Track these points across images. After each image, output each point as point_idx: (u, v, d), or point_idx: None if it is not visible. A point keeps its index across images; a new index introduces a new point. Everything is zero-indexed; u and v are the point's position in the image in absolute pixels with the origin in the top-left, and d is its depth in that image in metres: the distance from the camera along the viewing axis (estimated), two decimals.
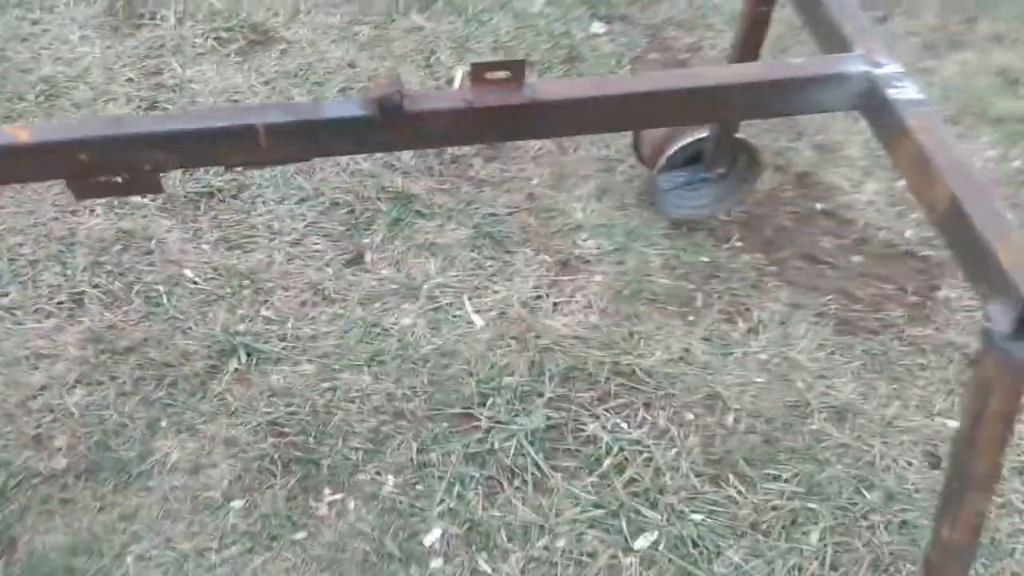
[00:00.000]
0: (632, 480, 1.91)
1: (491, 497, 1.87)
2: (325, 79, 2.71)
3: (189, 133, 1.42)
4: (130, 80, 2.67)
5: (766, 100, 1.51)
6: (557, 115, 1.46)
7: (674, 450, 1.97)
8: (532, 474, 1.90)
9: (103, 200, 2.33)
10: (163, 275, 2.20)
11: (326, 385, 2.02)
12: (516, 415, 1.99)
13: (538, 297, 2.23)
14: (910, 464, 1.97)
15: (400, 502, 1.85)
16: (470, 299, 2.21)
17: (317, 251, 2.28)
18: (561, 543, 1.81)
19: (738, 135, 2.31)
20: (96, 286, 2.16)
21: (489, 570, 1.77)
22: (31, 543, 1.75)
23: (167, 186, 2.36)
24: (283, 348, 2.08)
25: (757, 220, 2.46)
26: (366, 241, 2.31)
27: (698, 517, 1.87)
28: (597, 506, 1.86)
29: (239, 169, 1.50)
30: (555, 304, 2.22)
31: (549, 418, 1.99)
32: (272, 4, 2.95)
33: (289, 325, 2.12)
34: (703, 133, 2.29)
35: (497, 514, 1.84)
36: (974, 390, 1.30)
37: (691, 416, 2.03)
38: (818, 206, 2.52)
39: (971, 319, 2.24)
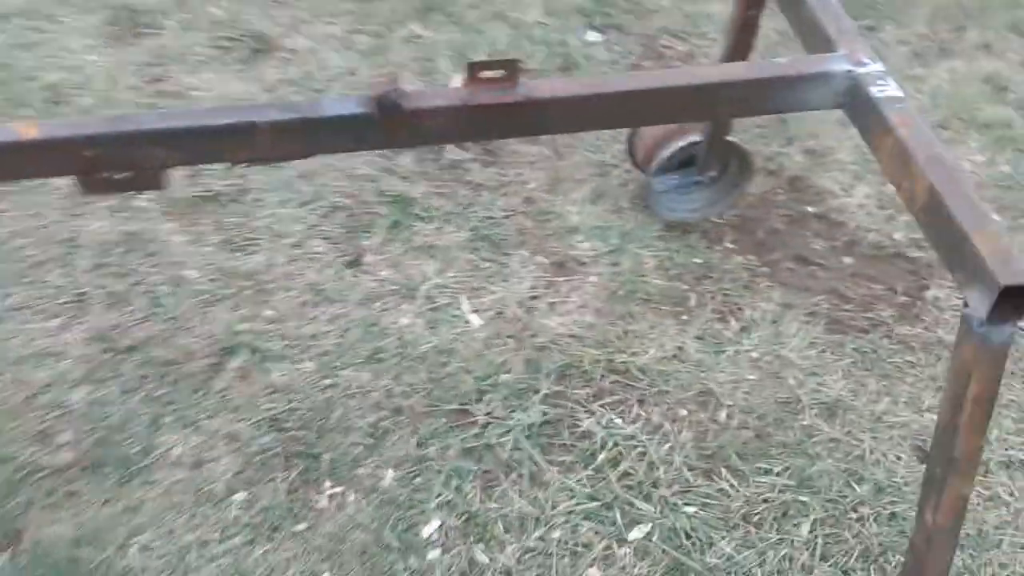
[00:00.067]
0: (626, 474, 1.95)
1: (488, 490, 1.91)
2: (326, 87, 2.76)
3: (193, 130, 1.46)
4: (133, 87, 2.72)
5: (753, 98, 1.55)
6: (551, 113, 1.51)
7: (668, 445, 2.00)
8: (528, 468, 1.94)
9: (107, 203, 2.38)
10: (166, 276, 2.24)
11: (326, 382, 2.06)
12: (513, 411, 2.03)
13: (534, 297, 2.27)
14: (899, 458, 2.01)
15: (399, 495, 1.89)
16: (468, 299, 2.25)
17: (318, 253, 2.33)
18: (557, 534, 1.85)
19: (730, 139, 2.36)
20: (100, 287, 2.21)
21: (486, 560, 1.81)
22: (36, 535, 1.79)
23: (170, 189, 2.40)
24: (284, 346, 2.12)
25: (749, 223, 2.51)
26: (366, 243, 2.36)
27: (691, 509, 1.90)
28: (592, 499, 1.90)
29: (243, 166, 1.54)
30: (551, 304, 2.26)
31: (545, 414, 2.03)
32: (273, 14, 3.01)
33: (290, 324, 2.16)
34: (695, 137, 2.34)
35: (494, 506, 1.88)
36: (954, 376, 1.34)
37: (684, 412, 2.07)
38: (809, 209, 2.57)
39: (959, 318, 2.27)
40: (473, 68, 1.47)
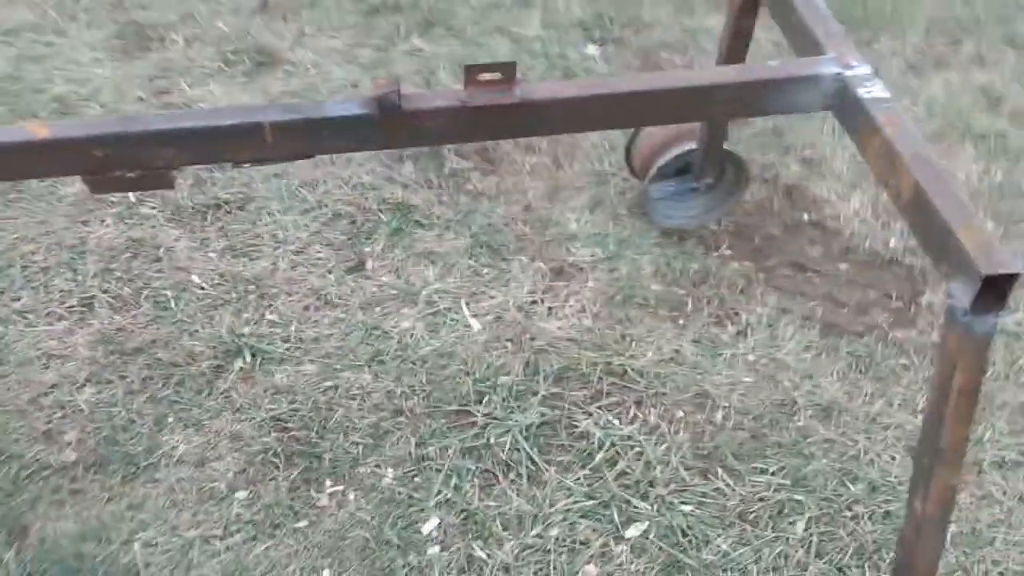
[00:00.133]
0: (623, 473, 1.97)
1: (487, 489, 1.94)
2: (328, 98, 2.81)
3: (199, 131, 1.50)
4: (140, 99, 2.77)
5: (745, 99, 1.59)
6: (546, 114, 1.55)
7: (664, 445, 2.03)
8: (526, 467, 1.97)
9: (113, 211, 2.42)
10: (171, 281, 2.27)
11: (328, 384, 2.09)
12: (511, 412, 2.06)
13: (533, 302, 2.30)
14: (893, 459, 2.03)
15: (399, 493, 1.91)
16: (467, 304, 2.28)
17: (320, 259, 2.36)
18: (554, 532, 1.87)
19: (726, 147, 2.39)
20: (106, 291, 2.24)
21: (484, 556, 1.83)
22: (42, 530, 1.82)
23: (175, 198, 2.45)
24: (287, 349, 2.15)
25: (746, 230, 2.54)
26: (367, 249, 2.39)
27: (687, 508, 1.93)
28: (589, 497, 1.93)
29: (247, 166, 1.57)
30: (549, 308, 2.29)
31: (543, 415, 2.06)
32: (278, 28, 3.06)
33: (293, 328, 2.20)
34: (691, 145, 2.38)
35: (492, 504, 1.91)
36: (940, 367, 1.37)
37: (681, 413, 2.10)
38: (805, 217, 2.60)
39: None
40: (471, 71, 1.51)
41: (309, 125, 1.52)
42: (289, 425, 2.01)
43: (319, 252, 2.38)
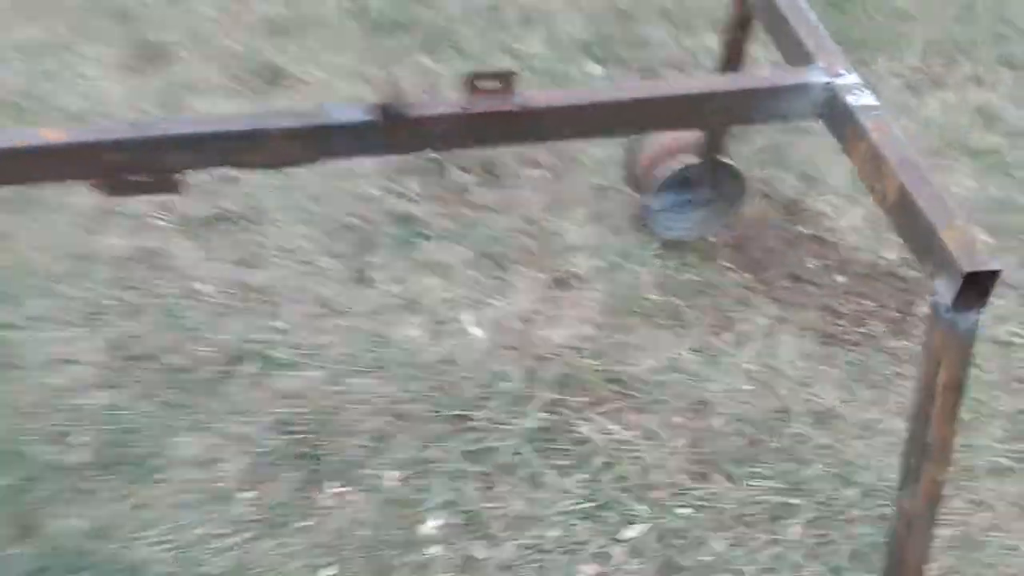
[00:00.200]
0: (621, 477, 2.01)
1: (487, 491, 1.97)
2: None
3: (209, 136, 1.56)
4: (149, 115, 2.83)
5: (736, 108, 1.64)
6: (545, 121, 1.60)
7: (662, 450, 2.06)
8: (527, 471, 2.00)
9: (122, 222, 2.47)
10: (180, 289, 2.32)
11: (332, 389, 2.13)
12: (512, 417, 2.10)
13: (535, 311, 2.35)
14: (888, 464, 2.06)
15: (401, 494, 1.95)
16: (470, 313, 2.33)
17: (326, 269, 2.41)
18: (553, 533, 1.91)
19: (725, 160, 2.44)
20: (116, 299, 2.29)
21: (484, 556, 1.87)
22: (51, 528, 1.86)
23: (185, 209, 2.50)
24: (293, 355, 2.19)
25: (745, 242, 2.59)
26: (372, 260, 2.44)
27: (685, 511, 1.96)
28: (588, 500, 1.96)
29: (256, 171, 1.63)
30: (551, 318, 2.33)
31: (544, 421, 2.10)
32: (286, 47, 3.12)
33: (299, 335, 2.24)
34: (690, 159, 2.43)
35: (492, 506, 1.94)
36: (925, 364, 1.41)
37: (679, 420, 2.13)
38: (803, 230, 2.64)
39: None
40: (471, 79, 1.57)
41: (315, 131, 1.56)
42: (294, 428, 2.05)
43: (325, 262, 2.43)
